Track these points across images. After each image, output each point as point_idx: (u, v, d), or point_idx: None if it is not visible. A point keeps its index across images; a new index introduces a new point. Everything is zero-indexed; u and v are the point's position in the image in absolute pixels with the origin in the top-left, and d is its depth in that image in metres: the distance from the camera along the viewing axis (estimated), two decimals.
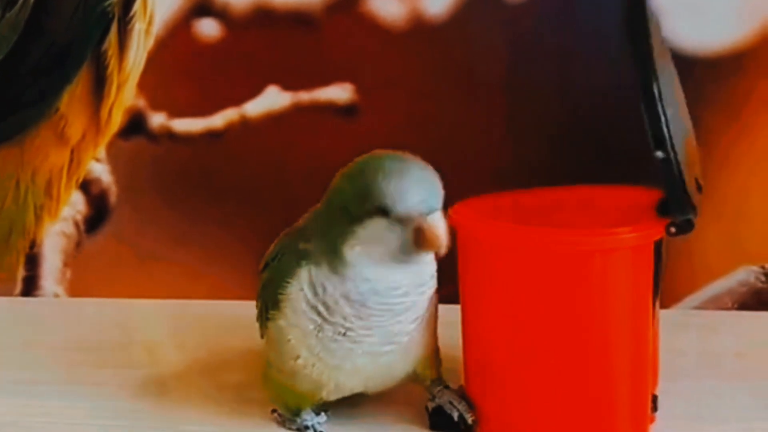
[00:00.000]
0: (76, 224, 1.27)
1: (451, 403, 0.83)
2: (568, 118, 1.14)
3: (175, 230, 1.24)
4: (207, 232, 1.22)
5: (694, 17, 1.11)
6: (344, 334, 0.77)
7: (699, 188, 0.86)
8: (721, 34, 1.11)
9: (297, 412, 0.83)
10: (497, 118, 1.16)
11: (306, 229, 0.80)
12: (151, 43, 1.20)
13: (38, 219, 1.27)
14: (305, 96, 1.19)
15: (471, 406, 0.83)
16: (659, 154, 0.78)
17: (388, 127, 1.18)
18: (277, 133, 1.20)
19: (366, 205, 0.74)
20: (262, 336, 0.84)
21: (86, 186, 1.26)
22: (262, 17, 1.19)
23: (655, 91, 0.79)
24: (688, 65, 1.11)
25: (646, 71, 0.78)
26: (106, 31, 1.19)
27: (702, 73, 1.11)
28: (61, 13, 1.20)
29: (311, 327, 0.77)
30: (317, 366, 0.79)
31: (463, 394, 0.84)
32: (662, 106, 0.78)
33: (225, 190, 1.22)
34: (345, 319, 0.77)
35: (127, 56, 1.20)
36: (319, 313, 0.77)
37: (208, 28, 1.20)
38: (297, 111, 1.19)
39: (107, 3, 1.18)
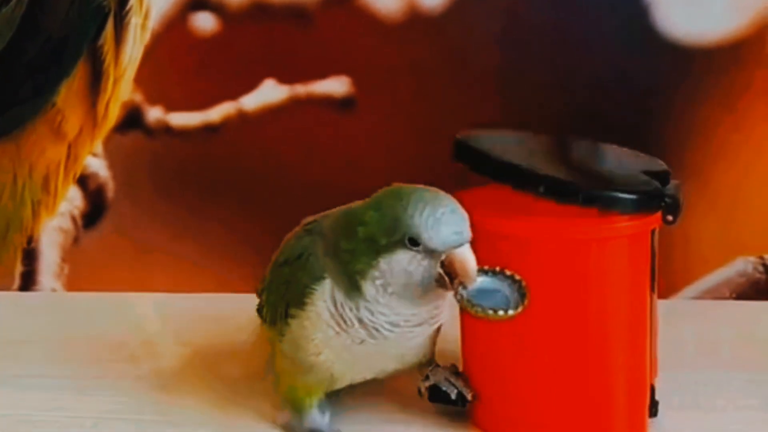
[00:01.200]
0: (74, 219, 1.27)
1: (447, 380, 0.83)
2: (565, 107, 1.14)
3: (173, 224, 1.24)
4: (205, 226, 1.22)
5: (691, 8, 1.11)
6: (361, 344, 0.78)
7: (664, 175, 0.85)
8: (717, 25, 1.11)
9: (302, 415, 0.83)
10: (494, 108, 1.16)
11: (328, 236, 0.80)
12: (147, 37, 1.20)
13: (35, 214, 1.26)
14: (302, 89, 1.19)
15: (467, 382, 0.83)
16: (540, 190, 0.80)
17: (385, 119, 1.18)
18: (273, 126, 1.20)
19: (395, 236, 0.74)
20: (273, 325, 0.84)
21: (83, 181, 1.25)
22: (258, 11, 1.19)
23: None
24: (685, 57, 1.11)
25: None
26: (102, 25, 1.19)
27: (699, 65, 1.11)
28: (57, 8, 1.19)
29: (332, 333, 0.78)
30: (337, 363, 0.80)
31: (456, 371, 0.85)
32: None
33: (222, 184, 1.22)
34: (359, 335, 0.78)
35: (123, 51, 1.20)
36: (338, 324, 0.78)
37: (204, 22, 1.20)
38: (294, 104, 1.19)
39: None
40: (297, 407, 0.84)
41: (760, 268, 1.13)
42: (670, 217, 0.80)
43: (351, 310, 0.77)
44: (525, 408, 0.82)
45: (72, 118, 1.22)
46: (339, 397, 0.85)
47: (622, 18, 1.13)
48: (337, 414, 0.85)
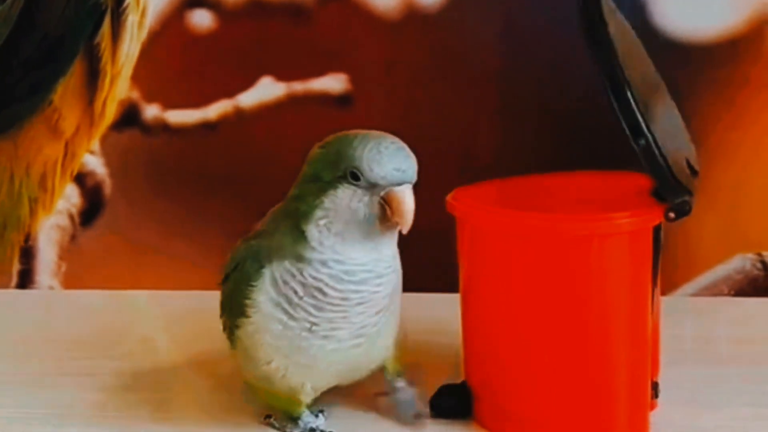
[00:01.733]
0: (71, 217, 1.27)
1: (405, 402, 0.83)
2: (562, 105, 1.14)
3: (170, 222, 1.24)
4: (201, 224, 1.22)
5: (688, 5, 1.11)
6: (310, 330, 0.76)
7: (693, 172, 0.85)
8: (715, 21, 1.11)
9: (296, 417, 0.82)
10: (491, 105, 1.16)
11: (266, 230, 0.80)
12: (144, 35, 1.20)
13: (33, 212, 1.26)
14: (299, 86, 1.19)
15: (424, 407, 0.83)
16: (641, 142, 0.77)
17: (383, 116, 1.17)
18: (271, 123, 1.19)
19: (337, 170, 0.74)
20: (232, 344, 0.82)
21: (81, 179, 1.25)
22: (255, 8, 1.19)
23: (623, 82, 0.78)
24: (684, 53, 1.11)
25: (610, 64, 0.77)
26: (99, 23, 1.19)
27: (697, 61, 1.11)
28: (54, 6, 1.19)
29: (280, 327, 0.76)
30: (290, 369, 0.78)
31: (418, 394, 0.84)
32: (632, 95, 0.77)
33: (220, 182, 1.21)
34: (308, 313, 0.76)
35: (120, 48, 1.20)
36: (284, 311, 0.76)
37: (201, 19, 1.20)
38: (291, 102, 1.19)
39: None
40: (286, 412, 0.82)
41: (759, 265, 1.13)
42: (672, 215, 0.80)
43: (293, 277, 0.75)
44: (526, 404, 0.82)
45: (69, 116, 1.22)
46: (333, 397, 0.85)
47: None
48: (332, 414, 0.85)
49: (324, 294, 0.75)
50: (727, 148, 1.12)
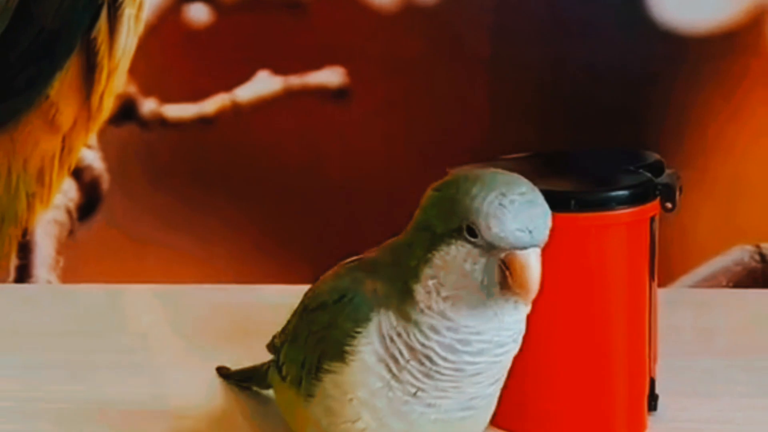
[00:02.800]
0: (69, 212, 1.26)
1: None
2: (560, 97, 1.14)
3: (168, 216, 1.24)
4: (200, 218, 1.21)
5: None
6: (415, 395, 0.64)
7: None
8: (713, 13, 1.11)
9: None
10: (489, 99, 1.15)
11: (378, 264, 0.66)
12: (141, 29, 1.20)
13: (30, 207, 1.26)
14: (296, 80, 1.19)
15: None
16: None
17: (380, 110, 1.17)
18: (268, 117, 1.19)
19: (452, 222, 0.61)
20: (297, 385, 0.69)
21: (78, 173, 1.25)
22: (252, 1, 1.18)
23: None
24: (682, 45, 1.11)
25: None
26: (95, 17, 1.18)
27: (695, 53, 1.11)
28: (50, 0, 1.19)
29: (380, 385, 0.64)
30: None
31: None
32: None
33: (217, 176, 1.21)
34: (415, 378, 0.63)
35: (117, 42, 1.19)
36: (389, 370, 0.64)
37: (198, 13, 1.19)
38: (288, 95, 1.19)
39: None
40: None
41: (757, 257, 1.13)
42: (669, 204, 0.80)
43: (400, 336, 0.63)
44: (524, 397, 0.81)
45: (66, 111, 1.22)
46: None
47: (617, 6, 1.13)
48: None
49: (433, 363, 0.63)
50: (726, 140, 1.12)
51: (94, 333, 1.06)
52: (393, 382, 0.64)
